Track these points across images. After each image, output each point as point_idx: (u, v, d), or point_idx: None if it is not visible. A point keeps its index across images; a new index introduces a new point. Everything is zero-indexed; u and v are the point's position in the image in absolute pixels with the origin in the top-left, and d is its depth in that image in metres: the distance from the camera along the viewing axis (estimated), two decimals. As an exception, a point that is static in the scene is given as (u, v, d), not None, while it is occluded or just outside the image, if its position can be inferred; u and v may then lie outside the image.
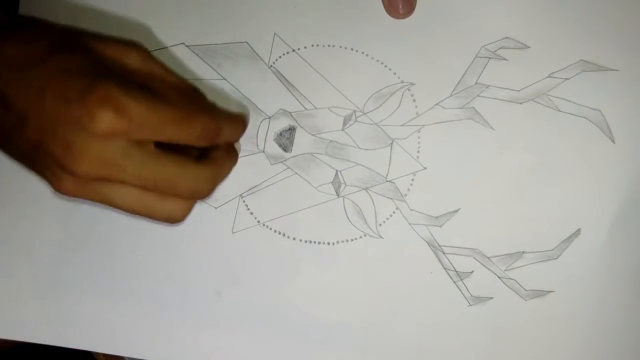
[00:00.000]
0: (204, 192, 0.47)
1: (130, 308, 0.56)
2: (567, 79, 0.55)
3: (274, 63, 0.56)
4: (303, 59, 0.56)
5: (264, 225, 0.56)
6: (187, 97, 0.48)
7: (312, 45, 0.56)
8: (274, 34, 0.56)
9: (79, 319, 0.56)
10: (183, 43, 0.56)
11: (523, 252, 0.56)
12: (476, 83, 0.56)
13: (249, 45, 0.56)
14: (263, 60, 0.56)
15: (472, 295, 0.56)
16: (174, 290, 0.56)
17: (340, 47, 0.56)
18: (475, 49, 0.56)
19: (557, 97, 0.56)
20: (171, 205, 0.47)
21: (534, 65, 0.56)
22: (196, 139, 0.46)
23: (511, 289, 0.56)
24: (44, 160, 0.45)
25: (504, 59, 0.56)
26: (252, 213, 0.56)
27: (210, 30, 0.56)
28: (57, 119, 0.43)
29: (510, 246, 0.56)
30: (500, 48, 0.56)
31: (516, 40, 0.56)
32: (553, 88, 0.56)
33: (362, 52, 0.56)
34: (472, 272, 0.56)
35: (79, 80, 0.43)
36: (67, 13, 0.57)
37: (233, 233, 0.56)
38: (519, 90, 0.56)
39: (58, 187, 0.45)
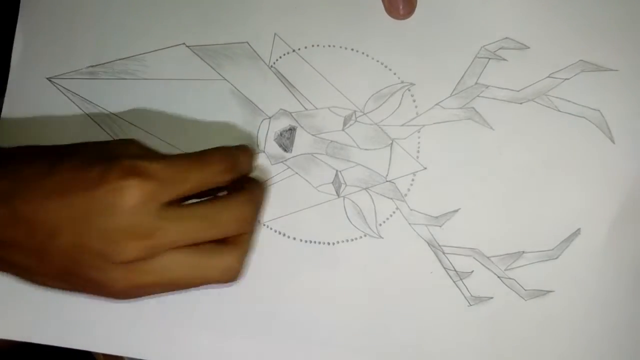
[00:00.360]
0: (250, 220, 0.49)
1: (131, 308, 0.56)
2: (566, 79, 0.56)
3: (274, 63, 0.56)
4: (303, 59, 0.56)
5: (264, 225, 0.56)
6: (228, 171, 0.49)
7: (313, 46, 0.56)
8: (275, 34, 0.56)
9: (78, 319, 0.56)
10: (184, 43, 0.56)
11: (523, 252, 0.56)
12: (476, 83, 0.56)
13: (250, 45, 0.56)
14: (263, 61, 0.56)
15: (472, 295, 0.56)
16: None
17: (341, 47, 0.56)
18: (475, 49, 0.56)
19: (556, 97, 0.56)
20: (224, 259, 0.48)
21: (533, 66, 0.56)
22: (220, 175, 0.48)
23: (511, 289, 0.56)
24: (87, 263, 0.45)
25: (504, 59, 0.56)
26: (252, 213, 0.56)
27: (211, 30, 0.56)
28: (86, 212, 0.44)
29: (510, 246, 0.56)
30: (500, 48, 0.56)
31: (516, 40, 0.56)
32: (553, 88, 0.56)
33: (363, 53, 0.56)
34: (472, 272, 0.56)
35: (93, 167, 0.44)
36: (67, 14, 0.57)
37: (235, 232, 0.56)
38: (518, 91, 0.56)
39: (112, 284, 0.46)
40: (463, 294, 0.56)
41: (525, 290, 0.56)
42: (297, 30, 0.56)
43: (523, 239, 0.56)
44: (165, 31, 0.56)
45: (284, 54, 0.56)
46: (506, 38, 0.56)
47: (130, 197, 0.43)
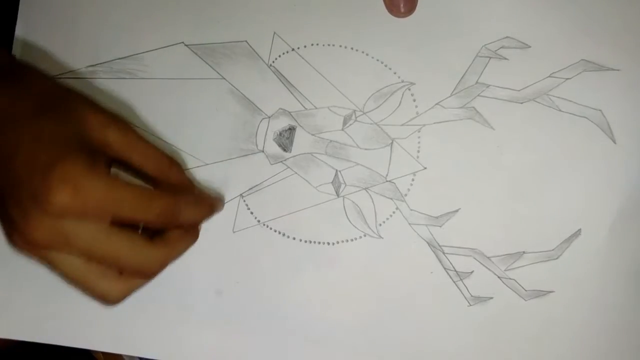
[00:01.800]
0: (149, 273, 0.49)
1: (130, 307, 0.55)
2: (568, 78, 0.55)
3: (273, 62, 0.56)
4: (303, 58, 0.56)
5: (264, 225, 0.56)
6: (161, 170, 0.50)
7: (312, 45, 0.56)
8: (274, 33, 0.56)
9: (78, 317, 0.56)
10: (182, 42, 0.56)
11: (523, 252, 0.56)
12: (477, 83, 0.56)
13: (249, 44, 0.56)
14: (262, 60, 0.56)
15: (472, 295, 0.56)
16: (174, 289, 0.56)
17: (340, 46, 0.56)
18: (476, 49, 0.56)
19: (557, 97, 0.55)
20: (108, 285, 0.48)
21: (534, 65, 0.56)
22: (152, 221, 0.47)
23: (511, 289, 0.56)
24: (5, 215, 0.46)
25: (505, 58, 0.56)
26: (252, 213, 0.56)
27: (210, 29, 0.56)
28: (20, 184, 0.44)
29: (510, 246, 0.56)
30: (501, 47, 0.56)
31: (517, 39, 0.56)
32: (554, 88, 0.55)
33: (362, 52, 0.56)
34: (472, 272, 0.56)
35: (48, 150, 0.44)
36: (65, 14, 0.56)
37: (234, 232, 0.56)
38: (519, 90, 0.56)
39: (9, 241, 0.46)
40: (463, 294, 0.56)
41: (526, 290, 0.56)
42: (296, 28, 0.56)
43: (523, 239, 0.56)
44: (164, 30, 0.56)
45: (283, 53, 0.56)
46: (507, 37, 0.56)
47: (55, 205, 0.43)
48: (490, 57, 0.56)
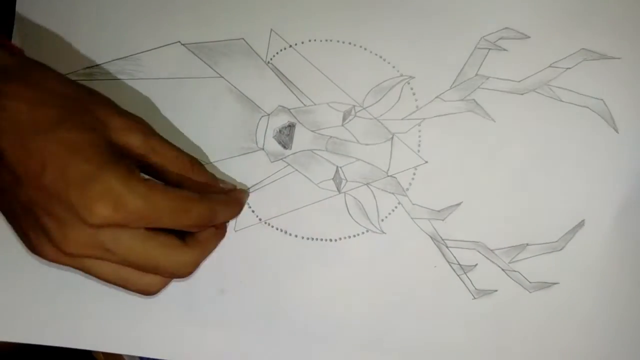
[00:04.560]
0: (185, 274, 0.49)
1: (134, 307, 0.55)
2: (568, 68, 0.55)
3: (271, 59, 0.56)
4: (301, 54, 0.55)
5: (265, 223, 0.56)
6: (185, 171, 0.50)
7: (310, 41, 0.56)
8: (271, 29, 0.56)
9: (80, 318, 0.56)
10: (179, 41, 0.56)
11: (527, 244, 0.55)
12: (476, 75, 0.55)
13: (246, 41, 0.56)
14: (260, 57, 0.56)
15: (476, 289, 0.56)
16: (176, 289, 0.56)
17: (338, 41, 0.55)
18: (474, 40, 0.55)
19: (558, 87, 0.55)
20: (148, 280, 0.48)
21: (534, 55, 0.55)
22: (191, 227, 0.48)
23: (515, 282, 0.55)
24: (32, 225, 0.45)
25: (504, 49, 0.55)
26: (253, 211, 0.56)
27: (206, 27, 0.56)
28: (54, 197, 0.43)
29: (513, 238, 0.55)
30: (500, 39, 0.55)
31: (516, 30, 0.55)
32: (554, 78, 0.55)
33: (360, 46, 0.55)
34: (475, 265, 0.55)
35: (83, 164, 0.43)
36: (62, 16, 0.56)
37: (235, 231, 0.56)
38: (519, 81, 0.55)
39: (39, 252, 0.46)
40: (467, 287, 0.56)
41: (530, 282, 0.55)
42: (293, 25, 0.56)
43: (527, 231, 0.55)
44: (160, 30, 0.56)
45: (281, 50, 0.56)
46: (506, 28, 0.55)
47: (97, 219, 0.43)
48: (489, 49, 0.55)
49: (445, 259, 0.55)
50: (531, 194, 0.55)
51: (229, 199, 0.53)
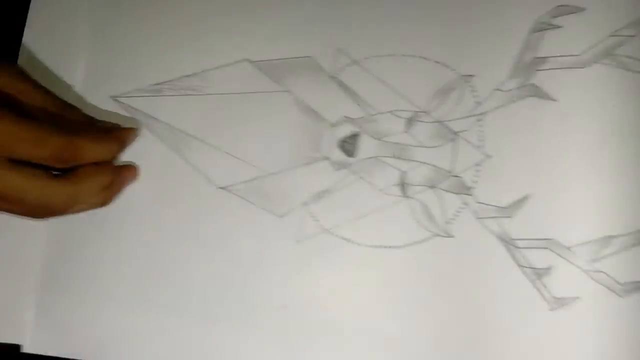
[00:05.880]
0: (56, 209, 0.50)
1: (194, 323, 0.54)
2: (632, 36, 0.54)
3: (337, 74, 0.57)
4: (365, 69, 0.56)
5: (329, 232, 0.54)
6: (56, 114, 0.51)
7: (375, 56, 0.57)
8: (337, 48, 0.57)
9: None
10: (246, 59, 0.57)
11: (611, 236, 0.51)
12: (534, 58, 0.54)
13: (312, 59, 0.57)
14: (326, 72, 0.57)
15: (553, 297, 0.52)
16: (238, 304, 0.54)
17: (402, 55, 0.56)
18: (528, 25, 0.55)
19: (624, 56, 0.53)
20: (54, 185, 0.49)
21: (593, 27, 0.54)
22: (50, 160, 0.48)
23: (602, 285, 0.51)
24: None
25: (559, 26, 0.55)
26: (317, 220, 0.55)
27: (274, 45, 0.57)
28: None
29: (593, 231, 0.51)
30: (554, 17, 0.55)
31: (570, 5, 0.55)
32: (618, 47, 0.54)
33: (421, 57, 0.56)
34: (550, 267, 0.52)
35: None
36: (131, 34, 0.58)
37: (298, 242, 0.54)
38: (579, 55, 0.54)
39: None
40: (543, 295, 0.52)
41: (620, 284, 0.51)
42: (358, 43, 0.57)
43: (608, 220, 0.51)
44: (228, 47, 0.57)
45: (346, 65, 0.57)
46: (559, 5, 0.55)
47: None
48: (544, 30, 0.55)
49: (516, 262, 0.52)
50: (610, 177, 0.52)
51: (103, 135, 0.52)
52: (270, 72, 0.57)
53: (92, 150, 0.51)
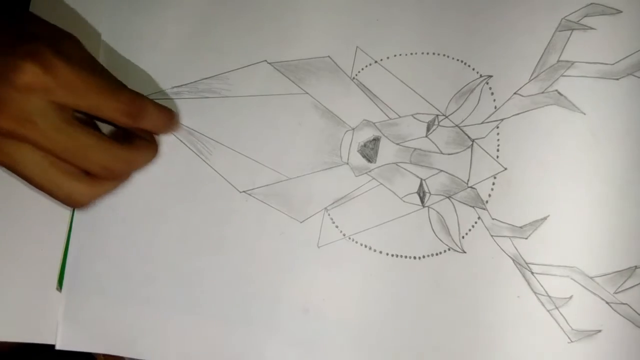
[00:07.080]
0: (116, 171, 0.49)
1: (215, 326, 0.55)
2: None
3: (356, 75, 0.55)
4: (386, 69, 0.55)
5: (349, 238, 0.54)
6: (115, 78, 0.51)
7: (395, 56, 0.55)
8: (357, 47, 0.56)
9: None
10: (265, 60, 0.56)
11: (636, 267, 0.49)
12: (558, 61, 0.51)
13: (331, 59, 0.56)
14: (345, 73, 0.55)
15: (572, 329, 0.50)
16: (260, 308, 0.55)
17: (423, 53, 0.55)
18: (554, 23, 0.52)
19: None
20: (75, 186, 0.48)
21: (629, 33, 0.50)
22: (119, 114, 0.48)
23: (625, 318, 0.49)
24: None
25: (591, 28, 0.51)
26: (337, 226, 0.54)
27: (292, 46, 0.56)
28: None
29: (618, 261, 0.49)
30: (584, 16, 0.51)
31: (604, 5, 0.51)
32: None
33: (443, 54, 0.54)
34: (570, 297, 0.50)
35: (12, 34, 0.46)
36: (151, 37, 0.58)
37: (318, 247, 0.54)
38: (613, 64, 0.50)
39: None
40: (561, 326, 0.50)
41: None
42: (378, 42, 0.55)
43: (635, 250, 0.49)
44: (247, 49, 0.57)
45: (366, 66, 0.55)
46: (592, 4, 0.51)
47: (23, 78, 0.44)
48: (572, 30, 0.51)
49: (531, 288, 0.50)
50: (636, 202, 0.49)
51: (160, 105, 0.52)
52: (290, 73, 0.56)
53: (153, 113, 0.51)
